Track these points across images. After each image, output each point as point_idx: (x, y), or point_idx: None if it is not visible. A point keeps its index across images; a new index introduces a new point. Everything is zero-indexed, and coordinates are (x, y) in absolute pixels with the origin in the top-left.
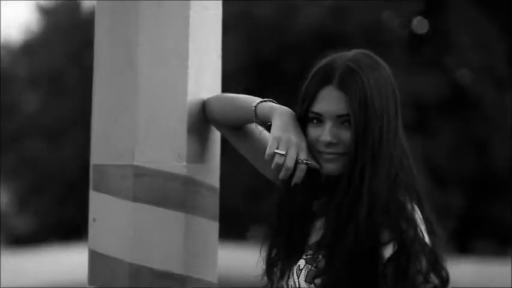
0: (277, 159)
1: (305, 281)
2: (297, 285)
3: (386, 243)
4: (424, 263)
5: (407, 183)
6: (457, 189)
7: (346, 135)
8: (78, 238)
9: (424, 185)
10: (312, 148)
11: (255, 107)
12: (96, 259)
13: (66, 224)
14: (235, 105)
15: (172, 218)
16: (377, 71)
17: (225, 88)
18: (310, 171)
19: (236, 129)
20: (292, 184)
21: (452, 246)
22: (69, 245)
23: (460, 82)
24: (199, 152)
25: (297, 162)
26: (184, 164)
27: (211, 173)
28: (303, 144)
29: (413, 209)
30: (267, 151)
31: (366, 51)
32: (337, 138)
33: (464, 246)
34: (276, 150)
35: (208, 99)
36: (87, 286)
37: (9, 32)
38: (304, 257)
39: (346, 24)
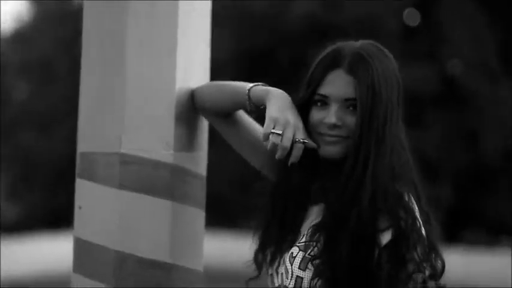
0: (274, 139)
1: (299, 268)
2: (290, 273)
3: (384, 230)
4: (419, 251)
5: (405, 173)
6: (448, 181)
7: (350, 119)
8: (68, 226)
9: (419, 176)
10: (312, 130)
11: (249, 90)
12: (81, 247)
13: (56, 212)
14: (227, 91)
15: (158, 206)
16: (384, 60)
17: (215, 79)
18: (308, 153)
19: (225, 116)
20: (289, 163)
21: (443, 237)
22: (59, 233)
23: (451, 74)
24: (186, 141)
25: (293, 142)
26: (172, 152)
27: (199, 162)
28: (300, 125)
29: (409, 198)
30: (263, 130)
31: (372, 41)
32: (342, 121)
33: (454, 237)
34: (273, 130)
35: (198, 87)
36: (72, 274)
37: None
38: (297, 244)
39: (338, 16)
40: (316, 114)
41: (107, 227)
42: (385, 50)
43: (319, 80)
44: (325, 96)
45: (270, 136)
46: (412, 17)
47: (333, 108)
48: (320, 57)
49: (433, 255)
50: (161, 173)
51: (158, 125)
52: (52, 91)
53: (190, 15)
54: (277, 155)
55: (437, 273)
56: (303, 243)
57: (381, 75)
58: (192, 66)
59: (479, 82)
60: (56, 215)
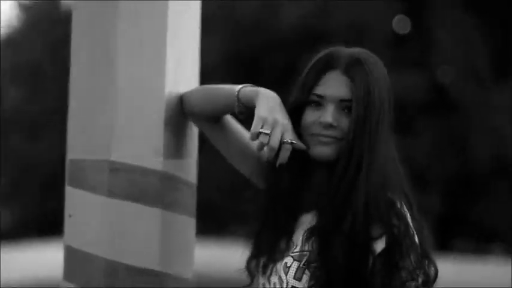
0: (262, 139)
1: (294, 278)
2: (286, 282)
3: (378, 237)
4: (413, 259)
5: (396, 181)
6: (438, 189)
7: (345, 121)
8: (58, 234)
9: (409, 184)
10: (304, 132)
11: (238, 91)
12: (72, 255)
13: (46, 219)
14: (215, 93)
15: (148, 214)
16: (377, 67)
17: (205, 83)
18: (297, 156)
19: (215, 121)
20: (277, 164)
21: (434, 245)
22: (49, 240)
23: (441, 82)
24: (176, 148)
25: (281, 143)
26: (161, 159)
27: (189, 169)
28: (289, 125)
29: (402, 206)
30: (252, 130)
31: (364, 49)
32: (337, 123)
33: (444, 245)
34: (261, 130)
35: (186, 92)
36: (62, 282)
37: None
38: (291, 254)
39: (327, 22)
40: (310, 115)
41: (97, 235)
42: (377, 57)
43: (314, 81)
44: (320, 97)
45: (259, 136)
46: (402, 24)
47: (330, 108)
48: (314, 59)
49: (426, 262)
50: (151, 180)
51: (147, 132)
52: (42, 96)
53: (180, 20)
54: (266, 156)
55: (430, 280)
56: (298, 253)
57: (375, 80)
58: (182, 69)
59: (469, 89)
60: (47, 222)
